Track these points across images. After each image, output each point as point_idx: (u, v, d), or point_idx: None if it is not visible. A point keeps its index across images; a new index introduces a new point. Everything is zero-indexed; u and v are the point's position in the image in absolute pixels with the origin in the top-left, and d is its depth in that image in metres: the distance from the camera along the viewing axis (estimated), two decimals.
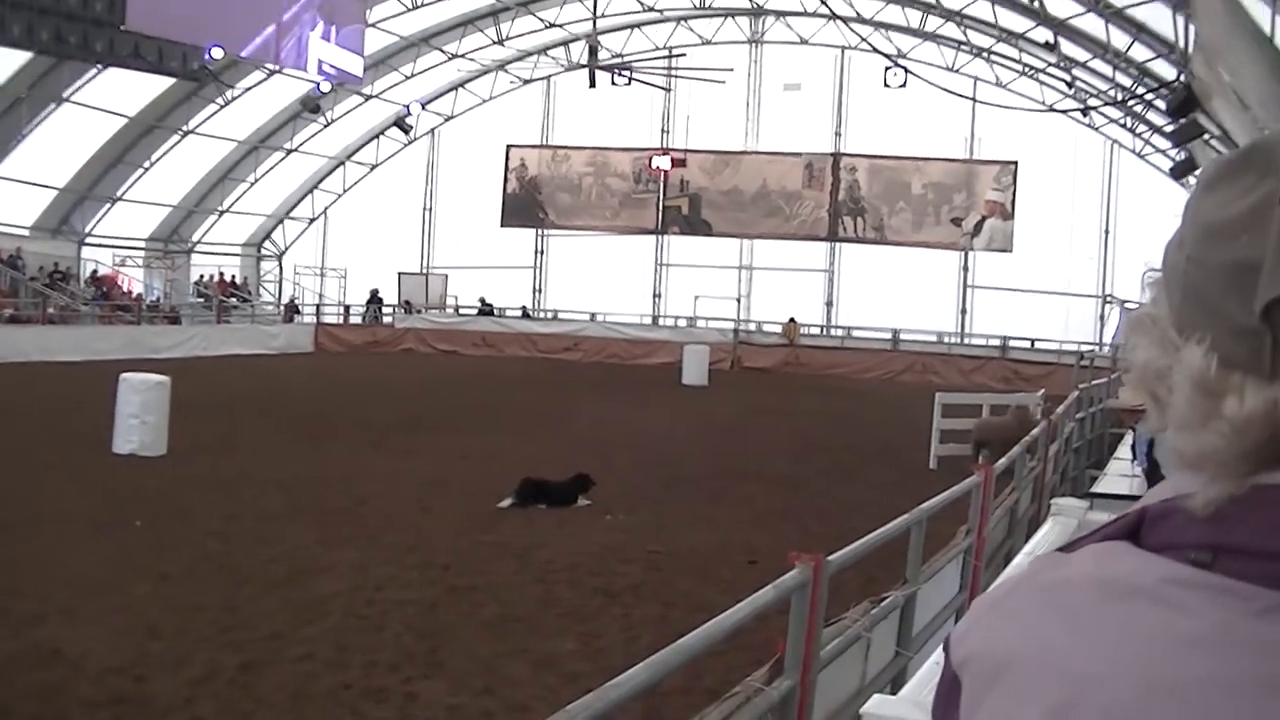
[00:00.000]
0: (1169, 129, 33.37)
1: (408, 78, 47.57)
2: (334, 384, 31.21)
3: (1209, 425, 1.01)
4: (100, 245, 44.88)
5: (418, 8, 42.71)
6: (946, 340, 44.84)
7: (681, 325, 46.76)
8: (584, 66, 41.12)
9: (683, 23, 48.27)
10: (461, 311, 49.04)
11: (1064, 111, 37.96)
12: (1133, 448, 12.10)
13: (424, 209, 53.31)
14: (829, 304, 48.62)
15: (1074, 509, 8.25)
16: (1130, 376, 1.10)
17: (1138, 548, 1.07)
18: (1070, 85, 38.53)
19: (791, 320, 45.09)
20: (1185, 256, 1.04)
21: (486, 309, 48.82)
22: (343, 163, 52.24)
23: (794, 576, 5.71)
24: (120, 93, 38.99)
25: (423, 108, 49.40)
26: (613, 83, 41.37)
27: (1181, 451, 1.05)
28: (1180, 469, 1.06)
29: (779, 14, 47.28)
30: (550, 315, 49.50)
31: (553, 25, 45.99)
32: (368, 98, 47.67)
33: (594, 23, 40.22)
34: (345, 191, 52.88)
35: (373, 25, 41.48)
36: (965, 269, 47.54)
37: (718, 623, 4.98)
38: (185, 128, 43.41)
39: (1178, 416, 1.04)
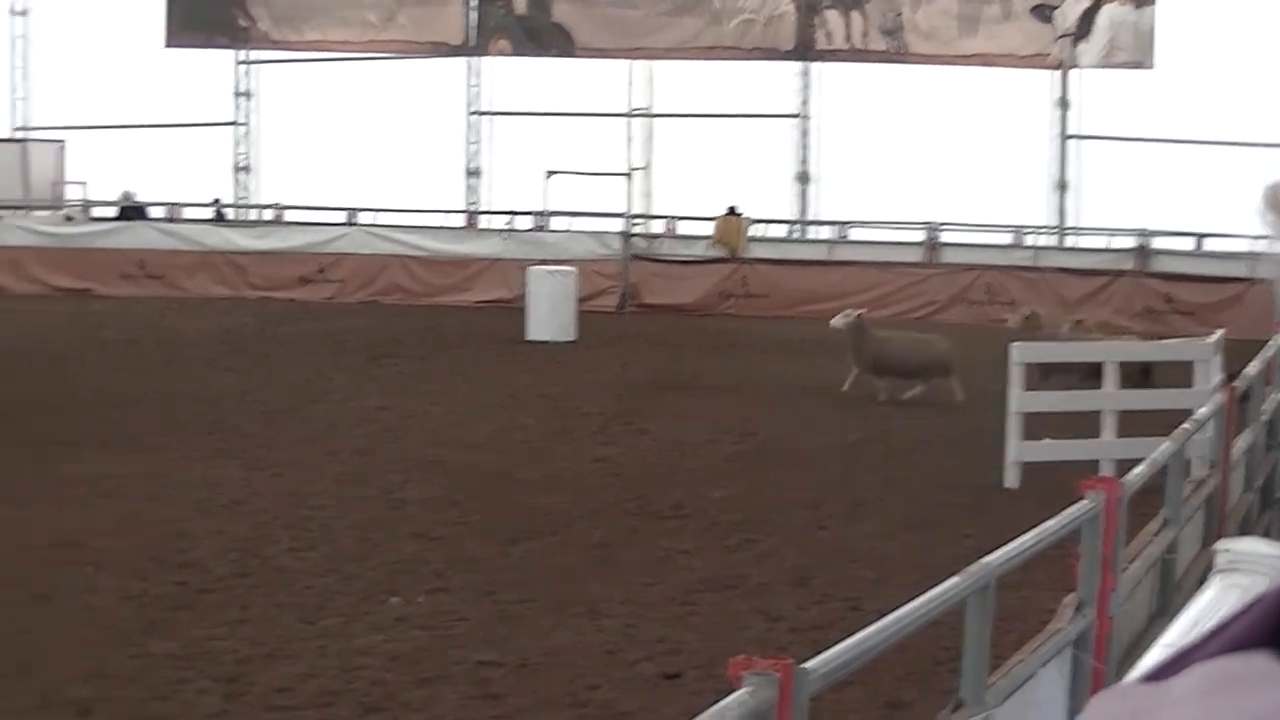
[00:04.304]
0: None
1: None
2: None
3: None
4: None
5: None
6: (1032, 242, 35.92)
7: (522, 230, 36.20)
8: None
9: None
10: (96, 214, 37.77)
11: None
12: None
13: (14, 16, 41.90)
14: (803, 180, 39.61)
15: (1264, 559, 5.85)
16: None
17: None
18: None
19: (732, 213, 35.74)
20: None
21: (134, 209, 37.09)
22: None
23: (743, 703, 4.40)
24: None
25: None
26: None
27: None
28: None
29: None
30: (272, 216, 38.26)
31: None
32: None
33: None
34: None
35: None
36: (1063, 104, 38.01)
37: None
38: None
39: None
